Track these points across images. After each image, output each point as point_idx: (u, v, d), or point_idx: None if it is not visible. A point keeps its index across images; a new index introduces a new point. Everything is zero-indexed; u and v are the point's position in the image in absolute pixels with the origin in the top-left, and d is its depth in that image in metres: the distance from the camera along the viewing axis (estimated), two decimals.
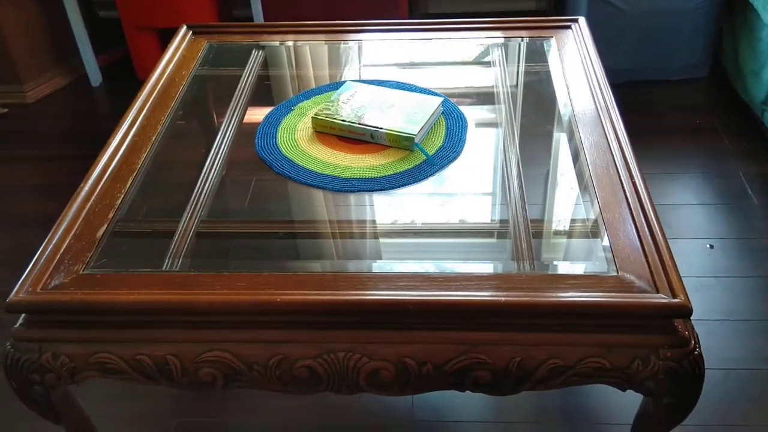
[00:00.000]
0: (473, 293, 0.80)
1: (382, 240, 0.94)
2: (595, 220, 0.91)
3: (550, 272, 0.85)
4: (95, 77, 2.34)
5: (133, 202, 0.99)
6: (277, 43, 1.44)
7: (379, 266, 0.91)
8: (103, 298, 0.82)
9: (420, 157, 1.05)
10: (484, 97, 1.29)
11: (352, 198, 0.99)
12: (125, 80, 2.32)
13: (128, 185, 1.01)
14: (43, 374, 0.85)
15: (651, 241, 0.87)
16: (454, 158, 1.06)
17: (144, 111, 1.16)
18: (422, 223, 0.94)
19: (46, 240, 0.89)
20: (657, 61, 2.11)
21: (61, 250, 0.89)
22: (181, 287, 0.83)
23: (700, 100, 2.12)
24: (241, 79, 1.31)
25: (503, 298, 0.79)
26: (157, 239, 0.97)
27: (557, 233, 0.95)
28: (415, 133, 1.06)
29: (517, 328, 0.81)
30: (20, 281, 0.84)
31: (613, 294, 0.80)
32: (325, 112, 1.12)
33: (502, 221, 0.94)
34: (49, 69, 2.32)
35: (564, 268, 0.89)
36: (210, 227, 0.96)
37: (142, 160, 1.05)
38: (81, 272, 0.86)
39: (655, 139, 1.96)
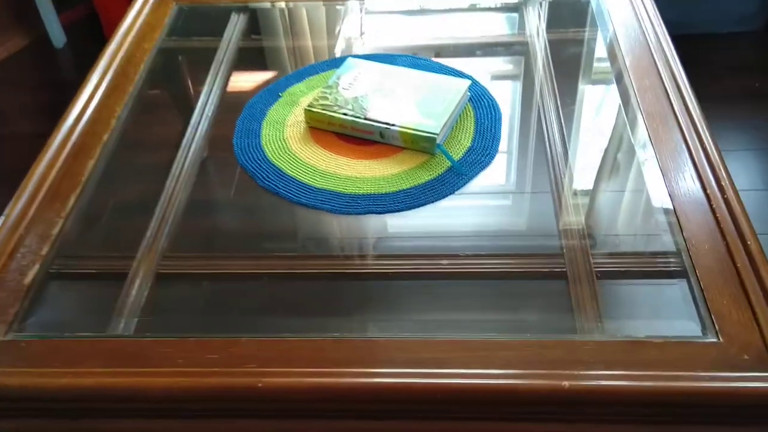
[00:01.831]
0: (523, 373, 0.60)
1: (395, 283, 0.73)
2: (677, 252, 0.70)
3: (624, 337, 0.64)
4: (58, 38, 2.06)
5: (73, 230, 0.77)
6: (266, 5, 1.19)
7: (395, 326, 0.70)
8: (23, 383, 0.61)
9: (444, 163, 0.83)
10: (522, 74, 1.05)
11: (359, 222, 0.77)
12: (92, 41, 2.04)
13: (69, 207, 0.78)
14: None
15: (758, 286, 0.66)
16: (487, 163, 0.83)
17: (92, 105, 0.92)
18: (449, 263, 0.73)
19: None
20: (707, 13, 1.84)
21: None
22: (130, 362, 0.62)
23: (755, 57, 1.84)
24: (218, 54, 1.07)
25: (567, 384, 0.59)
26: (106, 283, 0.75)
27: (626, 272, 0.74)
28: (438, 131, 0.83)
29: (581, 417, 0.61)
30: None
31: (717, 374, 0.59)
32: (321, 102, 0.89)
33: (552, 255, 0.73)
34: (5, 29, 2.04)
35: (642, 328, 0.68)
36: (173, 266, 0.75)
37: (88, 172, 0.83)
38: (1, 338, 0.65)
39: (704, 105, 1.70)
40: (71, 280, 0.74)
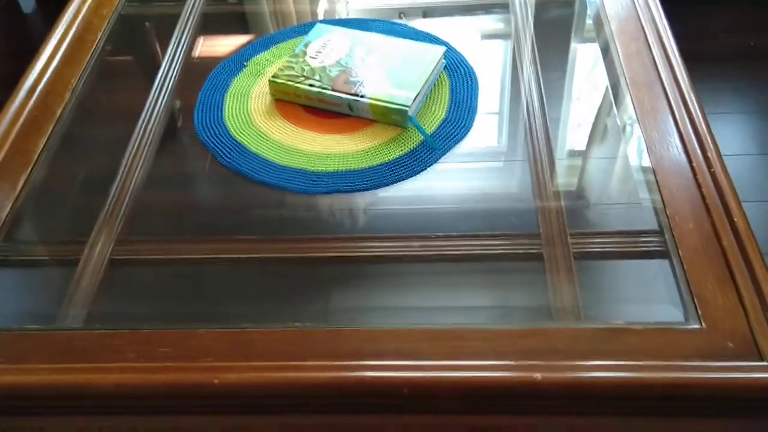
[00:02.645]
0: (493, 364, 0.56)
1: (363, 267, 0.69)
2: (659, 231, 0.66)
3: (602, 324, 0.61)
4: (27, 2, 1.97)
5: (23, 213, 0.73)
6: None
7: (361, 315, 0.66)
8: None
9: (416, 137, 0.78)
10: (503, 40, 0.99)
11: (325, 202, 0.73)
12: (63, 5, 1.95)
13: (18, 188, 0.74)
14: None
15: (744, 267, 0.62)
16: (462, 137, 0.79)
17: (46, 76, 0.86)
18: (420, 245, 0.68)
19: None
20: None
21: None
22: (79, 357, 0.59)
23: (749, 15, 1.77)
24: (180, 20, 1.01)
25: (539, 376, 0.55)
26: (56, 271, 0.71)
27: (606, 253, 0.70)
28: (410, 103, 0.78)
29: (557, 410, 0.58)
30: None
31: (700, 364, 0.56)
32: (286, 72, 0.83)
33: (529, 235, 0.68)
34: None
35: (622, 313, 0.64)
36: (128, 251, 0.70)
37: (39, 149, 0.78)
38: None
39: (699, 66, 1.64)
40: (18, 268, 0.70)
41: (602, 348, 0.57)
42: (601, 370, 0.55)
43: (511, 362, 0.56)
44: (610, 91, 0.84)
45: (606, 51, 0.88)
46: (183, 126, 0.84)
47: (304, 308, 0.65)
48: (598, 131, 0.83)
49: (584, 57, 0.97)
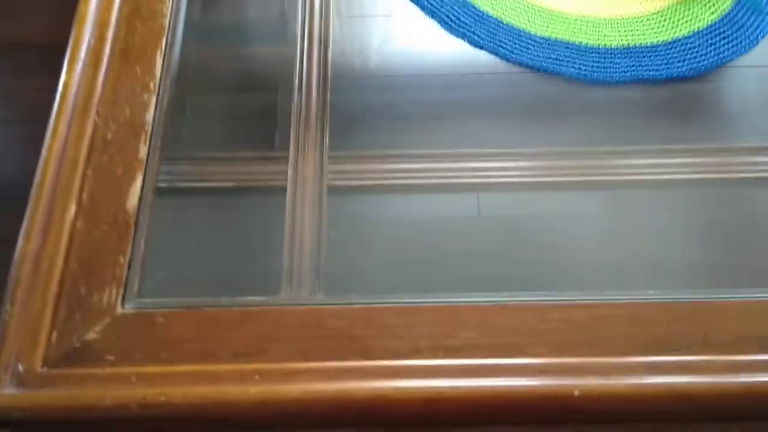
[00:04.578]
0: None
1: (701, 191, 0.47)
2: None
3: None
4: None
5: (179, 112, 0.49)
6: None
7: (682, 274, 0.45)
8: (186, 396, 0.37)
9: None
10: None
11: (611, 96, 0.49)
12: None
13: (159, 70, 0.49)
14: None
15: None
16: None
17: None
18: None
19: (26, 221, 0.42)
20: None
21: (61, 252, 0.42)
22: (345, 348, 0.39)
23: None
24: None
25: None
26: (250, 202, 0.48)
27: None
28: None
29: None
30: None
31: None
32: None
33: None
34: None
35: None
36: (348, 173, 0.48)
37: (170, 4, 0.53)
38: (119, 309, 0.40)
39: None
40: (196, 199, 0.48)
41: None
42: None
43: None
44: None
45: None
46: None
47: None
48: None
49: None
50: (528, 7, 0.53)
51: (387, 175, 0.48)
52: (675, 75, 0.50)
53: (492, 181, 0.47)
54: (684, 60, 0.50)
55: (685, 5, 0.53)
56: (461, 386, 0.37)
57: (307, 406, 0.37)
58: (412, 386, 0.37)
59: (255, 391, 0.37)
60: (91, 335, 0.39)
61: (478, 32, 0.52)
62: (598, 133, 0.48)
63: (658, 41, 0.51)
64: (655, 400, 0.37)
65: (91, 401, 0.37)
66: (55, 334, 0.39)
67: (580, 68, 0.50)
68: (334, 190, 0.46)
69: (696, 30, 0.52)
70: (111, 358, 0.38)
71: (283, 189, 0.45)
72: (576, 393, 0.36)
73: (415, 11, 0.54)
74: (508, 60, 0.51)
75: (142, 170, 0.45)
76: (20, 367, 0.38)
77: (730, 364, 0.37)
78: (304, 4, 0.55)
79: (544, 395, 0.36)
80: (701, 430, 0.39)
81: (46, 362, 0.38)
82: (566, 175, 0.46)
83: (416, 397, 0.37)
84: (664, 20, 0.52)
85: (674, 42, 0.51)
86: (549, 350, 0.38)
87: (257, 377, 0.37)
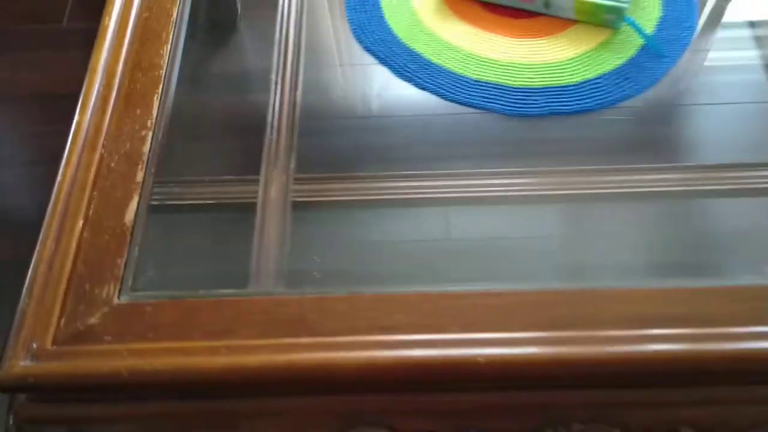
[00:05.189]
0: None
1: (615, 205, 0.56)
2: None
3: None
4: None
5: (170, 145, 0.59)
6: None
7: (632, 266, 0.54)
8: (168, 365, 0.46)
9: (631, 41, 0.64)
10: None
11: (532, 127, 0.59)
12: None
13: (155, 112, 0.60)
14: None
15: None
16: (689, 39, 0.65)
17: None
18: (681, 175, 0.56)
19: (42, 232, 0.52)
20: None
21: (70, 256, 0.52)
22: (299, 329, 0.48)
23: None
24: None
25: None
26: (225, 217, 0.58)
27: None
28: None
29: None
30: (13, 328, 0.48)
31: None
32: None
33: None
34: None
35: None
36: (309, 192, 0.58)
37: (166, 59, 0.63)
38: (115, 300, 0.50)
39: None
40: (181, 215, 0.58)
41: None
42: None
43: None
44: None
45: None
46: (335, 28, 0.69)
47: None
48: None
49: None
50: (464, 55, 0.64)
51: (341, 192, 0.57)
52: (584, 109, 0.59)
53: (430, 196, 0.56)
54: (592, 97, 0.60)
55: (597, 52, 0.63)
56: (390, 356, 0.45)
57: (265, 374, 0.46)
58: (348, 356, 0.45)
59: (223, 361, 0.45)
60: (92, 321, 0.48)
61: (422, 77, 0.62)
62: (517, 158, 0.58)
63: (571, 82, 0.61)
64: (549, 366, 0.45)
65: (90, 370, 0.46)
66: (63, 320, 0.48)
67: (505, 105, 0.60)
68: (297, 206, 0.55)
69: (604, 72, 0.62)
70: (108, 338, 0.47)
71: (254, 205, 0.55)
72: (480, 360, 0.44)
73: (371, 60, 0.65)
74: (446, 99, 0.61)
75: (139, 192, 0.55)
76: (34, 345, 0.47)
77: (611, 337, 0.46)
78: (278, 59, 0.66)
79: (454, 362, 0.45)
80: (594, 394, 0.47)
81: (55, 342, 0.47)
82: (485, 190, 0.55)
83: (352, 364, 0.45)
84: (577, 65, 0.62)
85: (585, 82, 0.61)
86: (461, 328, 0.46)
87: (225, 351, 0.46)
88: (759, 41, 0.69)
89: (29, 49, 1.34)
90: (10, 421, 0.50)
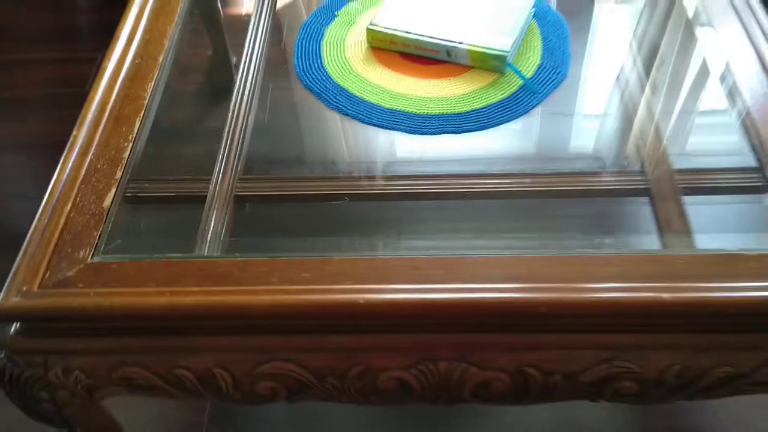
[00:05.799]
0: (621, 286, 0.60)
1: (480, 203, 0.72)
2: (759, 168, 0.69)
3: (714, 252, 0.64)
4: None
5: (145, 153, 0.75)
6: None
7: (484, 243, 0.70)
8: (124, 302, 0.61)
9: (514, 82, 0.81)
10: None
11: (433, 142, 0.76)
12: None
13: (136, 129, 0.77)
14: (53, 392, 0.66)
15: None
16: (560, 81, 0.82)
17: (141, 26, 0.89)
18: (531, 180, 0.72)
19: (39, 212, 0.67)
20: None
21: (59, 229, 0.67)
22: (226, 281, 0.62)
23: None
24: None
25: (667, 296, 0.59)
26: (183, 206, 0.74)
27: (713, 188, 0.74)
28: (508, 49, 0.81)
29: (679, 328, 0.62)
30: (10, 277, 0.63)
31: None
32: (382, 21, 0.86)
33: (635, 173, 0.72)
34: None
35: (729, 242, 0.68)
36: (250, 188, 0.74)
37: (149, 92, 0.81)
38: (89, 260, 0.65)
39: None
40: (148, 203, 0.73)
41: (724, 272, 0.61)
42: (725, 291, 0.59)
43: (640, 284, 0.60)
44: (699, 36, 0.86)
45: None
46: (282, 74, 0.86)
47: (427, 240, 0.69)
48: (690, 73, 0.86)
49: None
50: (381, 90, 0.81)
51: (279, 188, 0.73)
52: (470, 130, 0.75)
53: (341, 192, 0.72)
54: (477, 122, 0.76)
55: (485, 90, 0.80)
56: (293, 298, 0.59)
57: (198, 312, 0.60)
58: (260, 298, 0.59)
59: (165, 300, 0.60)
60: (70, 273, 0.63)
61: (348, 106, 0.79)
62: (416, 165, 0.74)
63: (461, 111, 0.77)
64: (446, 310, 0.59)
65: (65, 305, 0.60)
66: (48, 273, 0.63)
67: (409, 126, 0.76)
68: (237, 198, 0.71)
69: (489, 104, 0.78)
70: (81, 285, 0.62)
71: (205, 197, 0.70)
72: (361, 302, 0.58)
73: (310, 94, 0.82)
74: (365, 122, 0.77)
75: (116, 185, 0.71)
76: (24, 288, 0.61)
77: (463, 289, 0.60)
78: (237, 93, 0.83)
79: (341, 303, 0.58)
80: (458, 337, 0.60)
81: (41, 286, 0.61)
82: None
83: (262, 304, 0.59)
84: (469, 99, 0.79)
85: (472, 111, 0.77)
86: (352, 282, 0.60)
87: (168, 294, 0.60)
88: (617, 82, 0.86)
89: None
90: (2, 354, 0.64)
